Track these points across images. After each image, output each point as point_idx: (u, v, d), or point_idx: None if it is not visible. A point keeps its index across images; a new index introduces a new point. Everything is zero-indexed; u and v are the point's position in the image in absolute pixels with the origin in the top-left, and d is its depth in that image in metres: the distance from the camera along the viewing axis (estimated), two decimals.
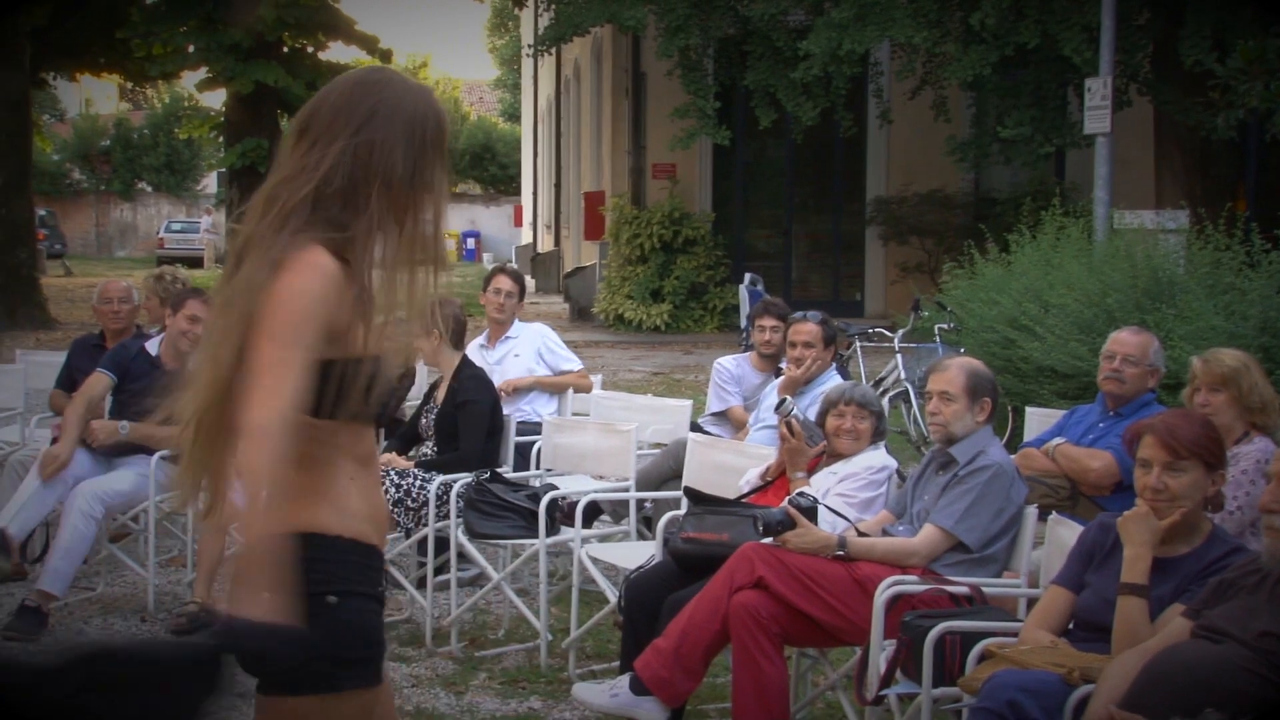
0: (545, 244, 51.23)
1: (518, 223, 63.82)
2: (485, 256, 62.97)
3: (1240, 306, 13.12)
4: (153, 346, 10.67)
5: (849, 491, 8.15)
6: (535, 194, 56.41)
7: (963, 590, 7.24)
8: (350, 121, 3.82)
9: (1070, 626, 6.51)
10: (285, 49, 34.30)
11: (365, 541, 3.91)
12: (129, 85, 49.65)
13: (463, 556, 9.79)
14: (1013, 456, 8.29)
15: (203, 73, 34.57)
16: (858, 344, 18.80)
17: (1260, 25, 18.16)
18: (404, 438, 10.63)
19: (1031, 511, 7.59)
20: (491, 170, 76.68)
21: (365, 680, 3.88)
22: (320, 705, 3.83)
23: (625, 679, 7.54)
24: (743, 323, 23.04)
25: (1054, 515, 7.62)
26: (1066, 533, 7.12)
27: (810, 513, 7.67)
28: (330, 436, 3.85)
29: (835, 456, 8.45)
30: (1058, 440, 9.04)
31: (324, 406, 3.79)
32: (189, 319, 10.34)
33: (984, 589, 7.30)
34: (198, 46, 32.73)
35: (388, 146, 3.81)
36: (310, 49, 35.24)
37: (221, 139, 37.16)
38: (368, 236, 3.83)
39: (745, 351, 12.28)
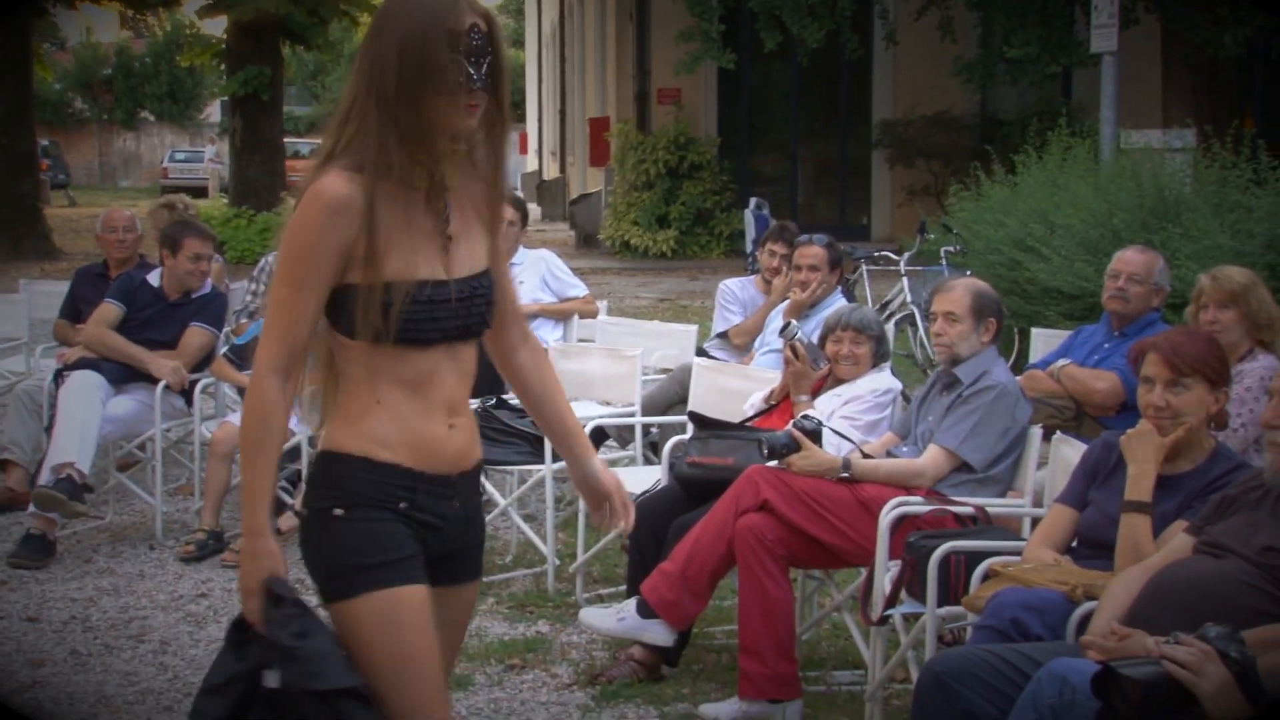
0: (550, 171, 51.11)
1: (523, 150, 63.60)
2: None
3: (1247, 224, 13.11)
4: (154, 278, 10.69)
5: (854, 414, 8.19)
6: (540, 121, 56.33)
7: (967, 510, 7.29)
8: (364, 44, 3.80)
9: (1074, 544, 6.57)
10: None
11: (378, 460, 3.91)
12: (130, 13, 49.26)
13: None
14: (1018, 378, 8.34)
15: None
16: (864, 267, 18.83)
17: None
18: None
19: (1036, 431, 7.63)
20: None
21: (378, 583, 3.88)
22: (343, 611, 3.91)
23: (632, 602, 7.62)
24: (749, 247, 23.05)
25: (1058, 435, 7.66)
26: (1070, 452, 7.16)
27: (815, 435, 7.72)
28: (363, 357, 3.88)
29: (839, 380, 8.50)
30: (1063, 361, 9.07)
31: (350, 328, 3.83)
32: (192, 258, 10.40)
33: (988, 509, 7.36)
34: None
35: (381, 63, 3.72)
36: None
37: (223, 67, 36.87)
38: (375, 156, 3.74)
39: (751, 275, 12.25)
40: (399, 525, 3.95)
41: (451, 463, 4.05)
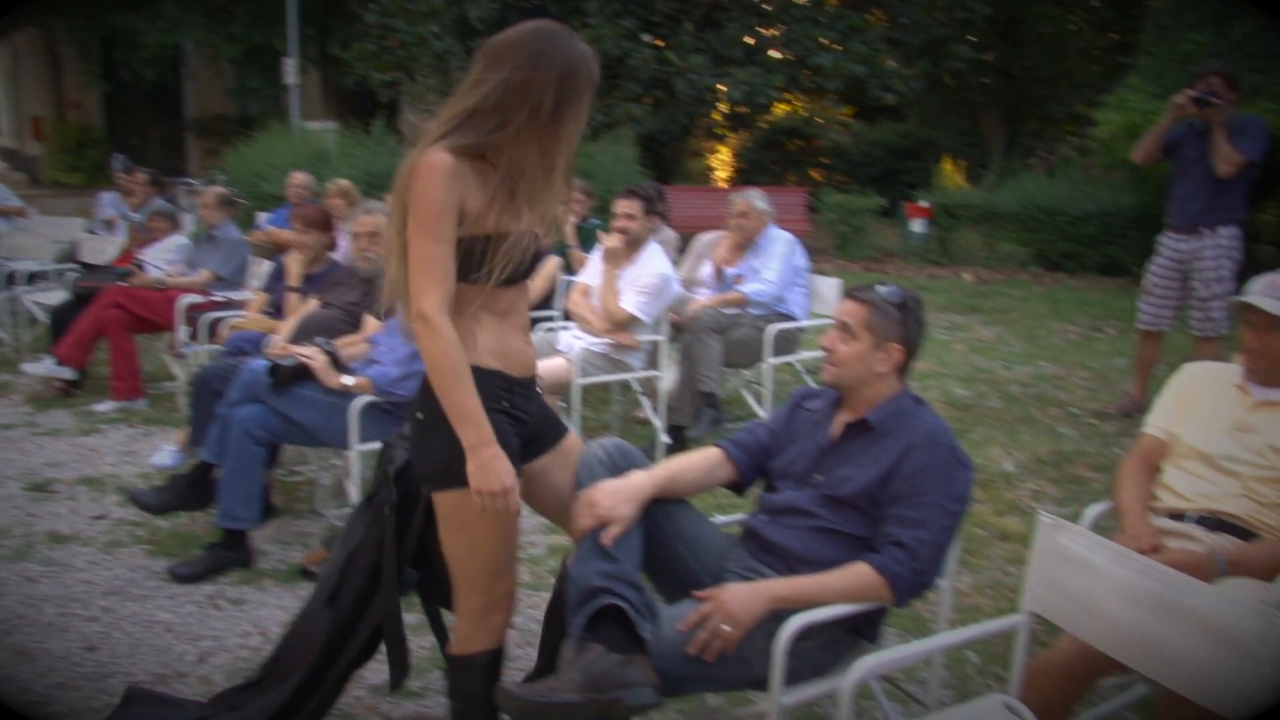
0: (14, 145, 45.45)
1: None
2: None
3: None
4: None
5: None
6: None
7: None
8: (516, 57, 2.49)
9: None
10: None
11: (487, 367, 2.53)
12: None
13: None
14: None
15: None
16: (179, 187, 17.56)
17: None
18: None
19: None
20: None
21: None
22: (460, 497, 2.49)
23: (50, 359, 6.95)
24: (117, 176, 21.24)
25: None
26: None
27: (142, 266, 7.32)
28: (469, 294, 2.54)
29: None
30: None
31: (462, 273, 2.51)
32: None
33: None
34: None
35: (541, 83, 2.47)
36: None
37: None
38: (509, 145, 2.49)
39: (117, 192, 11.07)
40: (503, 422, 2.55)
41: (529, 370, 2.67)
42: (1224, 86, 6.06)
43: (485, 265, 2.51)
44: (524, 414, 2.63)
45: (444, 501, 2.55)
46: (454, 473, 2.47)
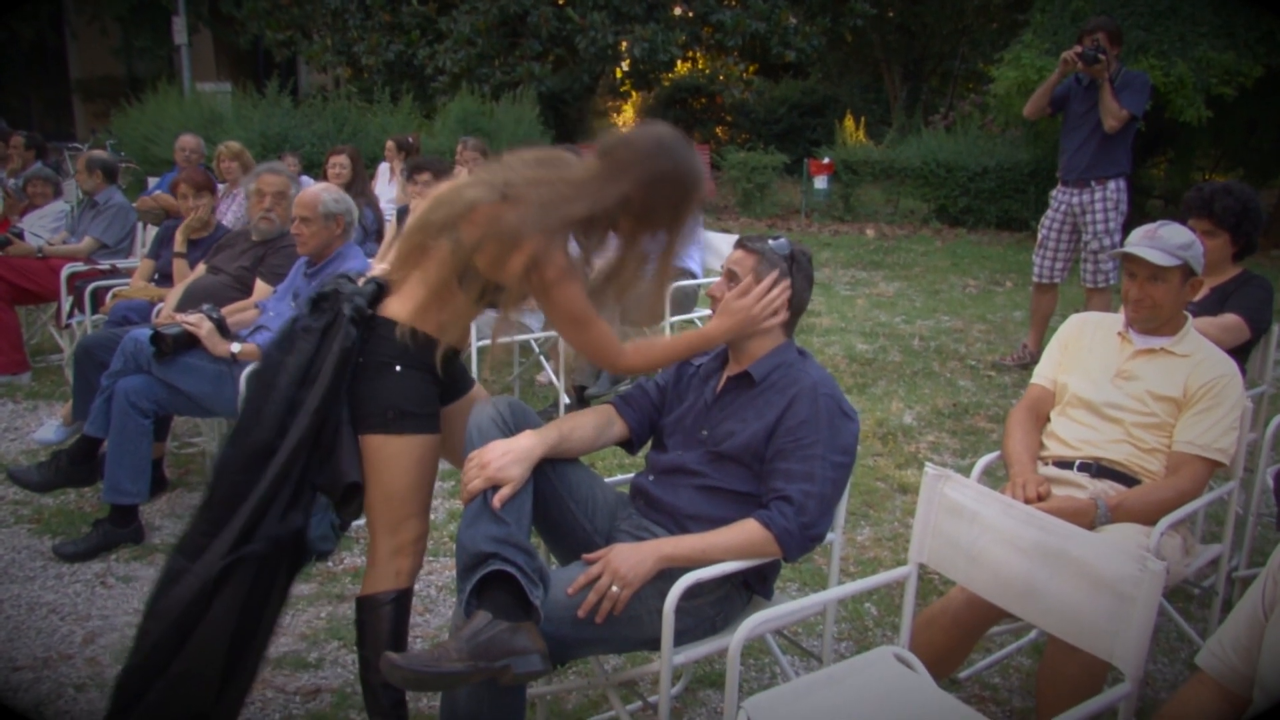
0: None
1: None
2: None
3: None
4: None
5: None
6: None
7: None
8: (637, 171, 2.48)
9: None
10: None
11: (423, 330, 2.61)
12: None
13: None
14: None
15: None
16: (66, 151, 16.93)
17: None
18: None
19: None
20: None
21: (421, 429, 2.65)
22: (384, 442, 2.60)
23: None
24: None
25: None
26: None
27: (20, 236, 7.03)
28: (461, 301, 2.56)
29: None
30: None
31: (482, 298, 2.55)
32: None
33: None
34: None
35: (658, 205, 2.51)
36: None
37: None
38: (598, 248, 2.57)
39: None
40: (425, 378, 2.66)
41: (458, 344, 2.71)
42: (1107, 41, 6.16)
43: (496, 306, 2.59)
44: (439, 373, 2.70)
45: (371, 444, 2.63)
46: (388, 420, 2.60)
